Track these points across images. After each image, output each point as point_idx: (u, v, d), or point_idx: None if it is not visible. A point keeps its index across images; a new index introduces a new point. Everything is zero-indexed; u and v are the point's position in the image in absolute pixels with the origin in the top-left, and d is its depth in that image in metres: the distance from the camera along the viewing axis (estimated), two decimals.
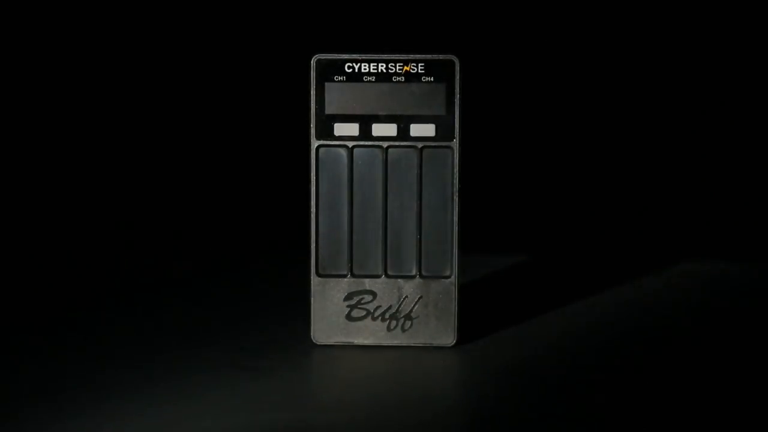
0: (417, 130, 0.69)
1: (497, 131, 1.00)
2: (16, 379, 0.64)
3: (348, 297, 0.70)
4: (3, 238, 0.97)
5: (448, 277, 0.69)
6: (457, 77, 0.69)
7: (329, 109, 0.69)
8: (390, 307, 0.69)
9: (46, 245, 0.96)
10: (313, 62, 0.69)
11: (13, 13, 1.00)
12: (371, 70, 0.69)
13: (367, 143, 0.69)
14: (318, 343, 0.69)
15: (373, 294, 0.70)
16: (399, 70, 0.69)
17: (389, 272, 0.69)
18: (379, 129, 0.69)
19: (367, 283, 0.70)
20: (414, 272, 0.69)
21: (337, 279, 0.70)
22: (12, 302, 0.80)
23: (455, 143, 0.69)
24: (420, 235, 0.69)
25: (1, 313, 0.78)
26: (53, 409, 0.60)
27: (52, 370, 0.65)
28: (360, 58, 0.69)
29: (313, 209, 0.70)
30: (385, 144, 0.69)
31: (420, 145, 0.69)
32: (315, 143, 0.69)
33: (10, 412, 0.59)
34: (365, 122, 0.69)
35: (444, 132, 0.69)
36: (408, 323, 0.69)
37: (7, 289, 0.84)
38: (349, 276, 0.70)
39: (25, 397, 0.62)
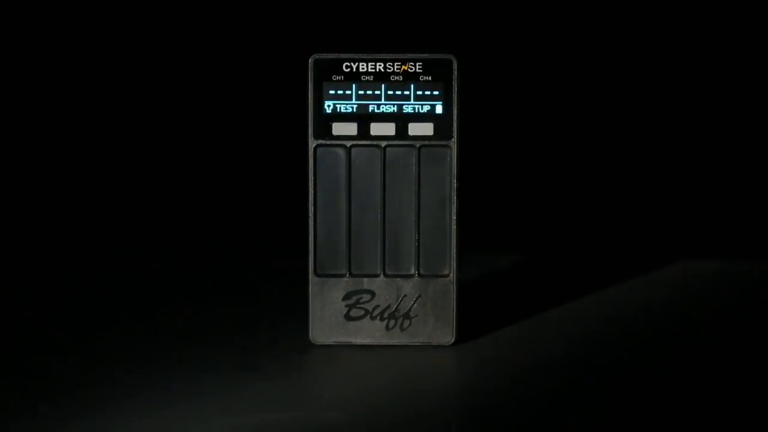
0: (415, 129, 0.69)
1: (496, 130, 1.00)
2: (16, 380, 0.64)
3: (347, 296, 0.69)
4: (3, 238, 0.97)
5: (447, 275, 0.69)
6: (455, 76, 0.69)
7: (327, 109, 0.69)
8: (389, 307, 0.69)
9: (43, 245, 0.96)
10: (311, 62, 0.69)
11: (13, 13, 1.00)
12: (369, 70, 0.69)
13: (365, 142, 0.69)
14: (317, 343, 0.69)
15: (372, 293, 0.69)
16: (397, 69, 0.69)
17: (388, 271, 0.69)
18: (377, 128, 0.69)
19: (366, 283, 0.70)
20: (412, 271, 0.69)
21: (335, 278, 0.70)
22: (10, 302, 0.80)
23: (453, 142, 0.69)
24: (418, 234, 0.69)
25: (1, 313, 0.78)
26: (55, 410, 0.60)
27: (52, 372, 0.65)
28: (358, 57, 0.69)
29: (311, 209, 0.69)
30: (383, 143, 0.69)
31: (418, 144, 0.69)
32: (313, 143, 0.69)
33: (11, 415, 0.59)
34: (363, 121, 0.69)
35: (442, 131, 0.69)
36: (407, 322, 0.69)
37: (6, 289, 0.84)
38: (347, 275, 0.70)
39: (27, 399, 0.61)
